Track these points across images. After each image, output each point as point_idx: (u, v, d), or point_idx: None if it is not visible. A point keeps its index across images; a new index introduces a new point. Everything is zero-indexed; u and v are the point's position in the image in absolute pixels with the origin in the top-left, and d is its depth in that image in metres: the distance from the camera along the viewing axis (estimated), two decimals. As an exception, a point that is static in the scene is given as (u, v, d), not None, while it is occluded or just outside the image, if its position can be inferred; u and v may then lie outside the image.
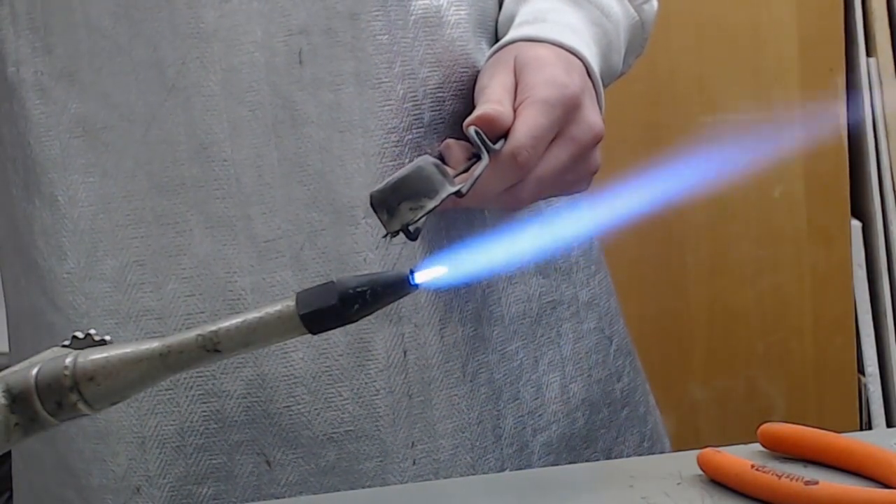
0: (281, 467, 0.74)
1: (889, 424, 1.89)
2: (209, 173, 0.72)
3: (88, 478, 0.76)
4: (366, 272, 0.57)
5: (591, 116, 0.72)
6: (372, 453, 0.75)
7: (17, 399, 0.51)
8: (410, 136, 0.74)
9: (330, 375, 0.74)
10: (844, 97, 1.85)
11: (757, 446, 0.68)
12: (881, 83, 1.89)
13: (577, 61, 0.74)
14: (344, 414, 0.74)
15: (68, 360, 0.52)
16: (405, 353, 0.75)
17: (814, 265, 1.87)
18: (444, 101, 0.76)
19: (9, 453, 0.84)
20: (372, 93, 0.73)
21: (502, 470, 0.79)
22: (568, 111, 0.70)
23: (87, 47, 0.73)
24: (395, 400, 0.74)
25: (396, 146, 0.73)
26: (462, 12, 0.78)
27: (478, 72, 0.76)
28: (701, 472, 0.65)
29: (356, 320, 0.51)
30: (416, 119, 0.74)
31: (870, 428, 1.85)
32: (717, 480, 0.63)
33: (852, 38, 1.91)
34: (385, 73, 0.73)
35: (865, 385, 1.90)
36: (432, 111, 0.75)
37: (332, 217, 0.72)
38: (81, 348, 0.53)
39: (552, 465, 0.81)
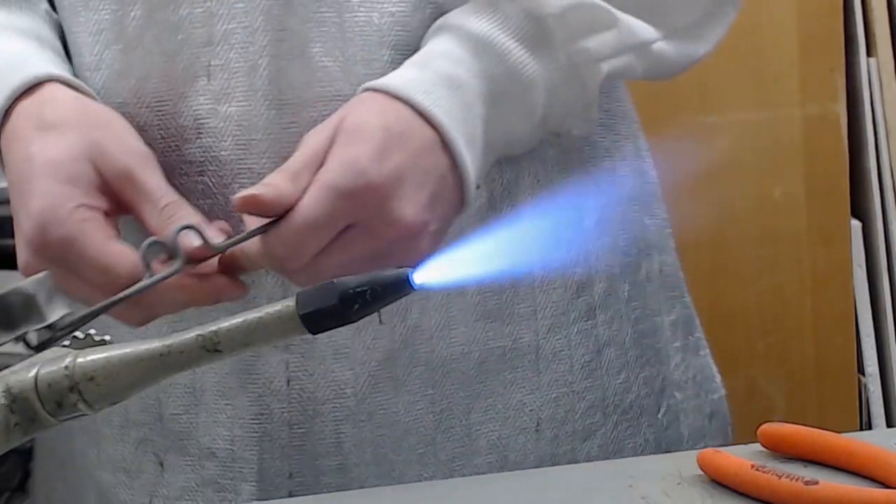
0: (172, 471, 0.75)
1: (889, 424, 1.88)
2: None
3: (40, 442, 0.84)
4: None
5: (398, 210, 0.63)
6: (249, 476, 0.74)
7: (17, 399, 0.51)
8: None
9: (217, 391, 0.73)
10: (844, 97, 1.85)
11: (757, 446, 0.68)
12: (881, 83, 1.89)
13: (418, 133, 0.66)
14: (225, 431, 0.74)
15: (68, 360, 0.52)
16: (288, 381, 0.73)
17: (814, 265, 1.87)
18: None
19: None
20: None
21: None
22: (362, 202, 0.63)
23: None
24: (273, 427, 0.73)
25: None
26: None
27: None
28: (701, 472, 0.65)
29: (356, 320, 0.51)
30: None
31: (870, 428, 1.85)
32: (717, 480, 0.63)
33: (852, 39, 1.91)
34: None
35: (865, 385, 1.89)
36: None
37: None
38: (81, 348, 0.53)
39: None
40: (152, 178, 0.66)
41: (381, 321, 0.67)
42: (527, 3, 0.70)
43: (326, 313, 0.51)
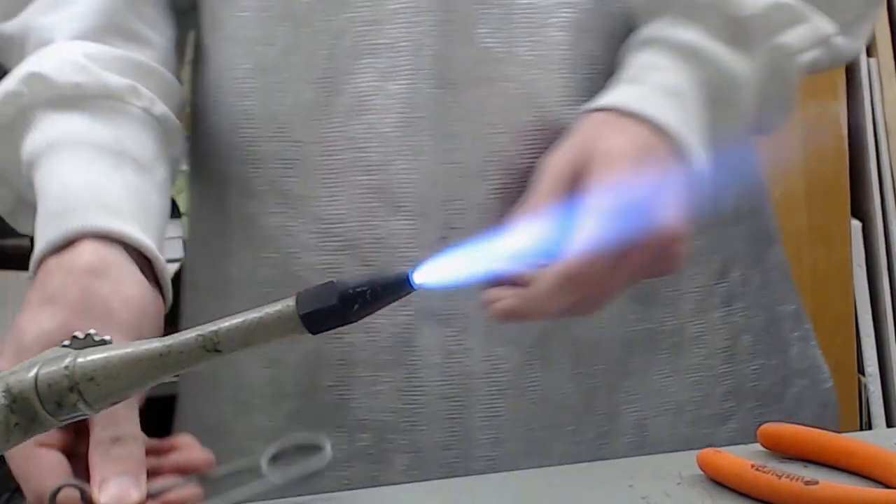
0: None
1: (889, 424, 1.89)
2: (282, 152, 0.74)
3: (181, 414, 0.85)
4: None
5: (662, 221, 0.65)
6: (405, 448, 0.75)
7: (17, 399, 0.51)
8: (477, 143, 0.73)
9: (374, 364, 0.75)
10: (844, 97, 1.85)
11: (757, 446, 0.68)
12: (881, 83, 1.89)
13: (662, 147, 0.68)
14: (382, 404, 0.75)
15: (68, 360, 0.52)
16: (446, 355, 0.74)
17: (814, 265, 1.87)
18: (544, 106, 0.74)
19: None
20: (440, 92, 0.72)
21: None
22: (635, 224, 0.64)
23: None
24: (429, 400, 0.74)
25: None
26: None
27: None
28: (701, 472, 0.65)
29: (356, 320, 0.51)
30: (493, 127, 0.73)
31: (870, 428, 1.85)
32: (717, 480, 0.63)
33: (852, 38, 1.90)
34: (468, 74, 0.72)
35: (865, 385, 1.89)
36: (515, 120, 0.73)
37: (387, 208, 0.73)
38: (81, 348, 0.53)
39: None
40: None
41: None
42: (726, 7, 0.71)
43: (326, 313, 0.51)
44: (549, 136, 0.72)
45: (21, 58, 0.75)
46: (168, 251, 1.85)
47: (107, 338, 0.54)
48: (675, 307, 0.79)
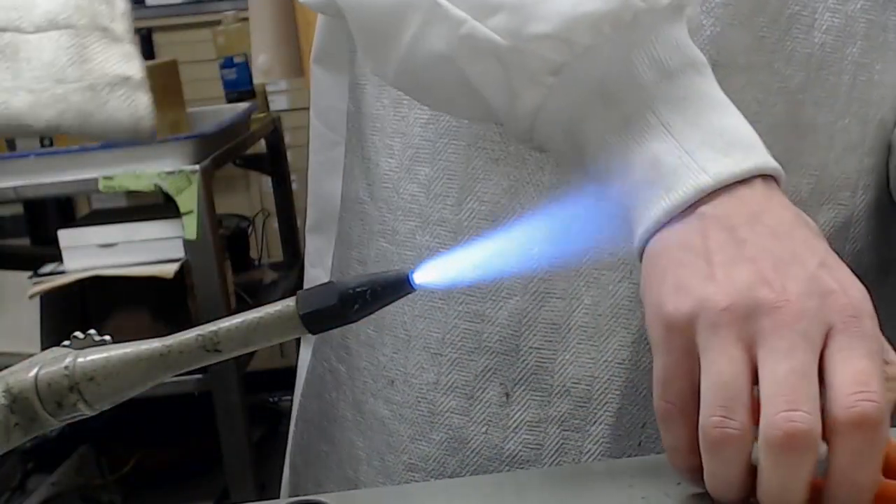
0: (517, 404, 0.75)
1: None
2: None
3: (358, 359, 0.82)
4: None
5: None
6: (604, 420, 0.74)
7: (17, 399, 0.51)
8: None
9: (584, 331, 0.73)
10: (844, 97, 1.85)
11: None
12: (881, 83, 1.89)
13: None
14: (585, 372, 0.74)
15: (68, 360, 0.52)
16: None
17: (814, 265, 1.87)
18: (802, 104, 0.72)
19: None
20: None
21: None
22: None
23: None
24: (638, 376, 0.73)
25: None
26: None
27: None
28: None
29: (356, 320, 0.52)
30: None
31: (870, 428, 1.85)
32: None
33: (852, 39, 1.90)
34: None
35: (865, 385, 1.89)
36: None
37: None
38: (81, 348, 0.53)
39: None
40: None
41: None
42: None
43: (326, 313, 0.51)
44: (796, 130, 0.71)
45: None
46: (168, 251, 1.85)
47: (106, 338, 0.54)
48: None
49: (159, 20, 3.34)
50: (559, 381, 0.74)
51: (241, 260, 2.18)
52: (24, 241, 2.56)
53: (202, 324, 0.52)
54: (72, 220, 2.34)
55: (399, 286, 0.52)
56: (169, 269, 1.65)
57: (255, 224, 2.51)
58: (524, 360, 0.75)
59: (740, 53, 0.70)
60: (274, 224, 2.48)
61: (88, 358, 0.52)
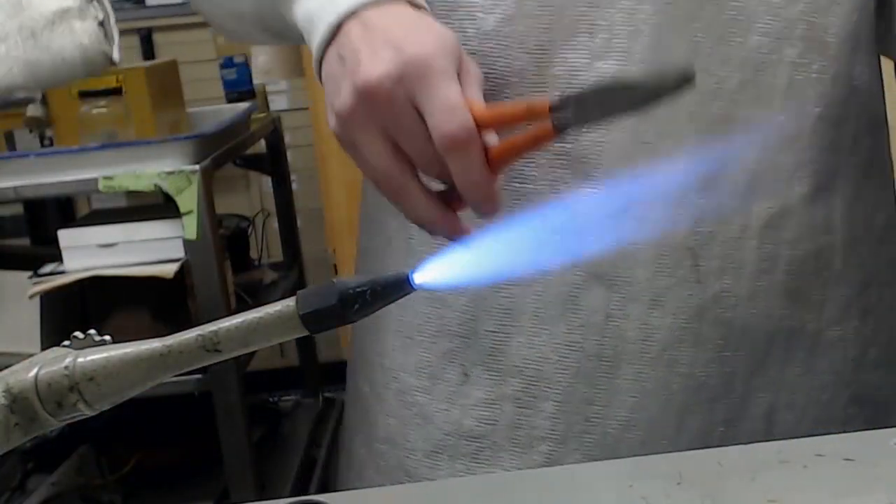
0: (475, 383, 0.81)
1: (889, 424, 1.88)
2: None
3: (354, 341, 0.92)
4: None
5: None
6: (552, 397, 0.79)
7: (17, 399, 0.51)
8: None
9: (536, 317, 0.79)
10: (844, 97, 1.85)
11: None
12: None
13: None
14: (537, 353, 0.79)
15: (68, 361, 0.52)
16: (607, 318, 0.78)
17: (814, 265, 1.87)
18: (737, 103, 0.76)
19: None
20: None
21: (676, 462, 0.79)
22: None
23: None
24: (584, 357, 0.78)
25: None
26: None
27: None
28: (700, 472, 0.65)
29: (356, 320, 0.52)
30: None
31: (870, 428, 1.85)
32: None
33: (852, 39, 1.90)
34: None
35: (865, 385, 1.89)
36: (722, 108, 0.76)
37: (576, 175, 0.76)
38: (81, 348, 0.53)
39: None
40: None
41: (698, 279, 0.77)
42: None
43: (326, 313, 0.51)
44: (733, 129, 0.76)
45: None
46: (168, 251, 1.85)
47: (106, 338, 0.54)
48: (820, 310, 0.82)
49: (159, 20, 3.34)
50: (512, 362, 0.80)
51: (241, 260, 2.18)
52: (24, 241, 2.56)
53: (202, 324, 0.52)
54: (72, 220, 2.33)
55: (399, 286, 0.52)
56: (169, 269, 1.65)
57: (255, 224, 2.51)
58: (481, 343, 0.80)
59: (677, 58, 0.75)
60: (274, 224, 2.48)
61: (88, 358, 0.52)
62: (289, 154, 2.49)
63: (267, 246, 2.82)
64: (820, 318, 0.82)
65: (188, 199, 1.63)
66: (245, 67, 2.51)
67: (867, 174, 0.84)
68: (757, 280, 0.79)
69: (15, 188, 1.68)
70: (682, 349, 0.78)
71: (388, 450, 0.86)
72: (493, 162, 0.64)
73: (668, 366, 0.78)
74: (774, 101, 0.77)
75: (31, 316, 1.77)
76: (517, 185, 0.77)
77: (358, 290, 0.51)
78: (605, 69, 0.75)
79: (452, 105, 0.63)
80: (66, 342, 0.53)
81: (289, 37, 0.78)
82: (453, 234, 0.66)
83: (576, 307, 0.78)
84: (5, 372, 0.52)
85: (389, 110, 0.64)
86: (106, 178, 1.64)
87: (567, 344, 0.78)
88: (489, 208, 0.65)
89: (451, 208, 0.67)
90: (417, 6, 0.70)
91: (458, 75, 0.65)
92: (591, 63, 0.75)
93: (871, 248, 0.84)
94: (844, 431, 0.82)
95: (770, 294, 0.79)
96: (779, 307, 0.80)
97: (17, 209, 2.78)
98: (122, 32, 1.73)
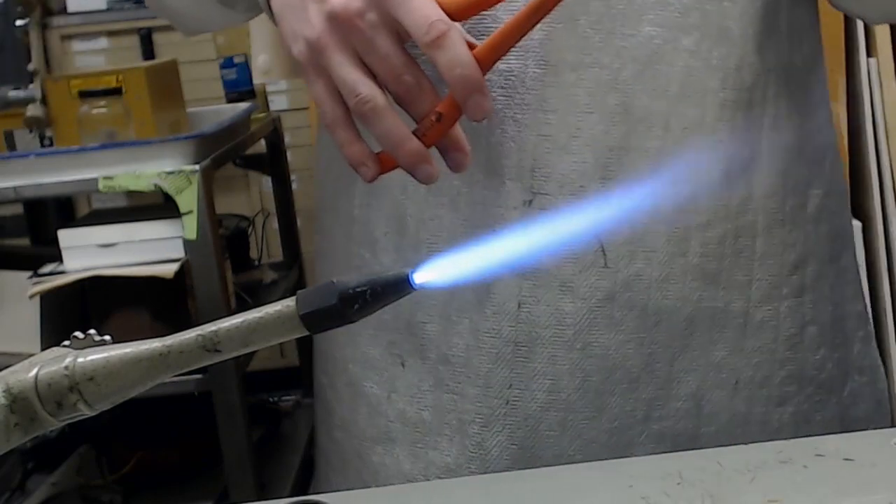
0: (410, 371, 0.85)
1: (889, 424, 1.88)
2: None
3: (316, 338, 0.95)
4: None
5: None
6: (476, 382, 0.82)
7: (17, 399, 0.51)
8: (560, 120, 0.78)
9: (457, 306, 0.82)
10: (844, 97, 1.85)
11: None
12: (881, 83, 1.90)
13: None
14: (461, 341, 0.82)
15: (68, 361, 0.52)
16: (519, 305, 0.80)
17: (814, 265, 1.86)
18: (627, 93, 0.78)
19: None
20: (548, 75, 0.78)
21: (594, 441, 0.81)
22: None
23: None
24: (501, 343, 0.81)
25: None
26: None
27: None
28: (700, 472, 0.65)
29: (356, 320, 0.52)
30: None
31: (870, 428, 1.85)
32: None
33: (852, 39, 1.91)
34: (571, 61, 0.78)
35: (865, 385, 1.89)
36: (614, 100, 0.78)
37: (487, 172, 0.79)
38: (81, 348, 0.53)
39: (652, 453, 0.81)
40: None
41: (606, 264, 0.79)
42: None
43: (326, 313, 0.51)
44: (631, 119, 0.78)
45: None
46: (168, 251, 1.85)
47: (106, 338, 0.54)
48: (745, 291, 0.82)
49: (159, 20, 3.34)
50: (441, 351, 0.83)
51: (241, 260, 2.18)
52: (24, 241, 2.56)
53: (202, 324, 0.52)
54: (72, 220, 2.33)
55: (399, 286, 0.52)
56: (169, 269, 1.65)
57: (255, 224, 2.51)
58: (414, 334, 0.84)
59: (567, 52, 0.78)
60: (274, 224, 2.48)
61: (88, 358, 0.52)
62: (289, 154, 2.49)
63: (267, 246, 2.81)
64: (747, 298, 0.82)
65: (188, 199, 1.63)
66: (245, 67, 2.51)
67: (799, 154, 0.84)
68: (670, 263, 0.80)
69: (15, 188, 1.68)
70: (596, 333, 0.80)
71: (344, 438, 0.91)
72: (478, 56, 0.66)
73: (582, 349, 0.80)
74: (672, 90, 0.78)
75: (31, 316, 1.77)
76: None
77: (358, 290, 0.51)
78: (504, 68, 0.78)
79: (427, 11, 0.65)
80: (66, 342, 0.53)
81: None
82: (420, 160, 0.68)
83: (490, 295, 0.81)
84: (5, 372, 0.52)
85: (364, 32, 0.66)
86: (106, 178, 1.64)
87: (486, 331, 0.81)
88: (482, 102, 0.66)
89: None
90: None
91: None
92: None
93: (803, 227, 0.84)
94: (784, 409, 0.84)
95: (685, 277, 0.80)
96: (697, 289, 0.81)
97: (17, 209, 2.77)
98: (122, 32, 1.73)
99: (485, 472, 0.81)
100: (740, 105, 0.80)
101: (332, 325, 0.51)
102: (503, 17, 0.74)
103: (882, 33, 1.89)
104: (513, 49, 0.74)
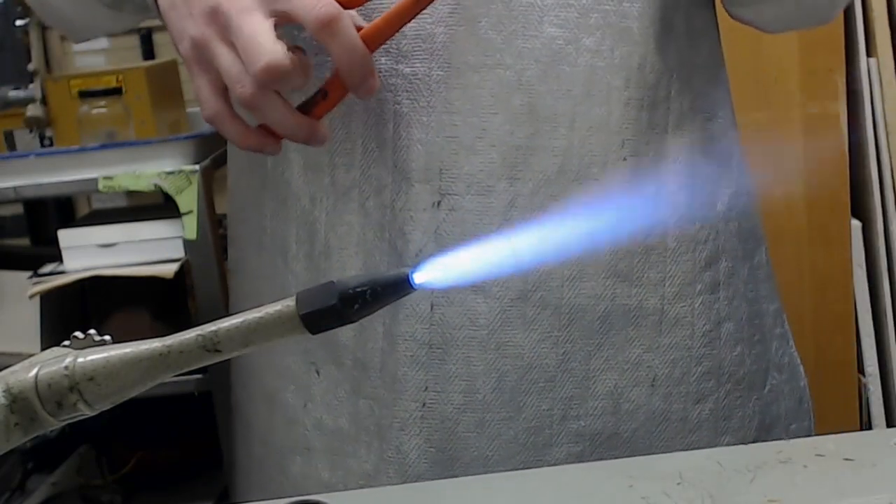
0: (326, 379, 0.85)
1: (889, 424, 1.89)
2: None
3: None
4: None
5: None
6: (391, 387, 0.82)
7: (17, 399, 0.51)
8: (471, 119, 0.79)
9: (377, 313, 0.80)
10: (844, 97, 1.85)
11: None
12: (881, 83, 1.89)
13: None
14: (374, 346, 0.82)
15: (68, 361, 0.52)
16: (432, 307, 0.80)
17: (814, 265, 1.87)
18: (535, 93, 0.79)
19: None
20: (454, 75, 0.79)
21: (512, 441, 0.81)
22: None
23: None
24: (415, 345, 0.81)
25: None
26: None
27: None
28: (700, 472, 0.65)
29: (356, 320, 0.52)
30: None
31: (870, 428, 1.85)
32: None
33: (852, 39, 1.91)
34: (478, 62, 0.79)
35: (865, 385, 1.90)
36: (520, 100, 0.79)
37: (396, 176, 0.80)
38: (81, 348, 0.53)
39: (571, 455, 0.81)
40: None
41: (517, 265, 0.77)
42: None
43: (326, 313, 0.51)
44: (536, 118, 0.79)
45: None
46: (168, 251, 1.85)
47: (106, 338, 0.54)
48: (658, 289, 0.83)
49: (159, 20, 3.33)
50: (356, 356, 0.83)
51: (241, 260, 2.18)
52: (24, 241, 2.56)
53: (202, 324, 0.52)
54: (72, 220, 2.33)
55: (399, 286, 0.52)
56: (169, 269, 1.65)
57: (255, 224, 2.50)
58: (330, 341, 0.84)
59: (470, 54, 0.78)
60: (274, 224, 2.47)
61: (88, 358, 0.52)
62: (289, 154, 2.48)
63: (267, 246, 2.81)
64: (661, 295, 0.83)
65: (188, 199, 1.63)
66: (245, 67, 2.50)
67: (705, 153, 0.85)
68: (581, 261, 0.81)
69: (15, 188, 1.68)
70: (510, 332, 0.80)
71: (263, 453, 0.90)
72: (365, 38, 0.70)
73: (496, 349, 0.81)
74: (576, 90, 0.79)
75: (31, 316, 1.77)
76: (342, 180, 0.82)
77: (358, 290, 0.51)
78: (409, 71, 0.79)
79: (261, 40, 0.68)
80: (66, 342, 0.53)
81: None
82: (310, 134, 0.72)
83: (413, 303, 0.81)
84: (5, 372, 0.52)
85: (234, 20, 0.69)
86: (106, 178, 1.64)
87: (399, 334, 0.81)
88: (371, 83, 0.71)
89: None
90: None
91: None
92: (396, 67, 0.79)
93: (713, 224, 0.85)
94: (702, 406, 0.84)
95: (597, 274, 0.81)
96: (610, 286, 0.81)
97: (17, 209, 2.77)
98: (122, 32, 1.73)
99: (403, 477, 0.81)
100: (644, 104, 0.81)
101: (332, 325, 0.51)
102: None
103: (882, 33, 1.89)
104: (417, 52, 0.78)
